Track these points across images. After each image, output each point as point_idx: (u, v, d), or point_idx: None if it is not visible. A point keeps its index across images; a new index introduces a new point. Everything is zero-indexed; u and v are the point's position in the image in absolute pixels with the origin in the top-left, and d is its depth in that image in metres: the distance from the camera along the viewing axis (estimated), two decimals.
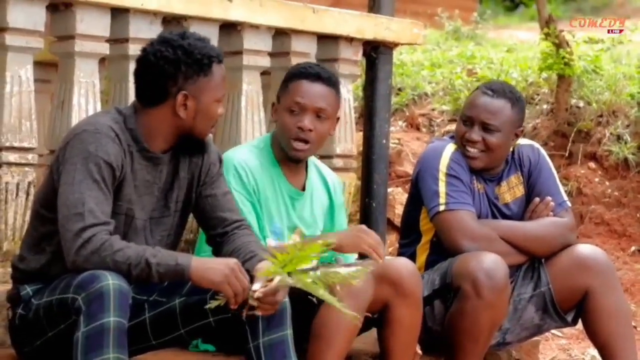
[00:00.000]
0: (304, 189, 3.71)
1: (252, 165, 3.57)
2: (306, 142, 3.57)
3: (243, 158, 3.58)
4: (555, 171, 4.17)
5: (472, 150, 3.96)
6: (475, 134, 3.96)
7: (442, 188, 3.92)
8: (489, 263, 3.72)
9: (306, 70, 3.62)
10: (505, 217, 4.06)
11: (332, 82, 3.62)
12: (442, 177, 3.93)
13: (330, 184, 3.81)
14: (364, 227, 3.58)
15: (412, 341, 3.64)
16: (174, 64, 3.12)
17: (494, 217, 4.05)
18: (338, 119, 3.68)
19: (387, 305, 3.54)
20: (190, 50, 3.12)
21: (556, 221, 4.04)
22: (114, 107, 3.29)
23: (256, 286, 3.02)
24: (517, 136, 4.03)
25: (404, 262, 3.60)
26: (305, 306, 3.39)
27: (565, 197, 4.12)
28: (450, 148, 4.00)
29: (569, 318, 4.05)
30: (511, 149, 4.08)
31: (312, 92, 3.58)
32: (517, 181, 4.10)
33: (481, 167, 4.00)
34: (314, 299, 3.05)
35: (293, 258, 2.99)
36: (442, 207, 3.90)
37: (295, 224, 3.66)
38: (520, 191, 4.10)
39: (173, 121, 3.17)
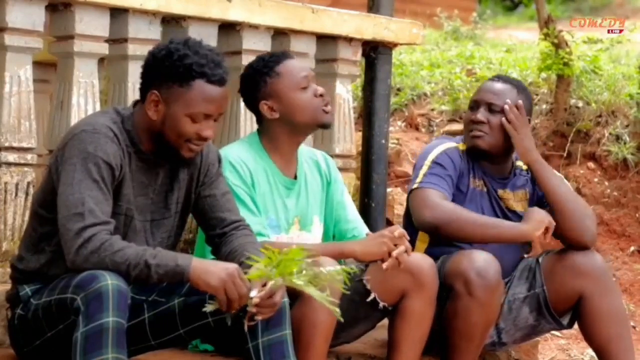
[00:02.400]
0: (296, 177, 3.74)
1: (246, 159, 3.60)
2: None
3: (237, 154, 3.60)
4: None
5: (477, 132, 3.97)
6: (481, 114, 3.97)
7: (423, 171, 3.92)
8: (481, 262, 3.72)
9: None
10: (507, 219, 4.03)
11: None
12: (427, 163, 3.93)
13: (319, 160, 3.84)
14: (386, 233, 3.54)
15: (421, 336, 3.65)
16: (157, 66, 3.12)
17: (496, 215, 4.02)
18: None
19: (404, 296, 3.60)
20: (176, 57, 3.09)
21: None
22: (112, 107, 3.28)
23: (253, 292, 3.02)
24: None
25: (422, 256, 3.65)
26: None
27: None
28: (447, 144, 4.00)
29: (565, 321, 4.04)
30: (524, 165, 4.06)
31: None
32: (523, 197, 4.09)
33: (485, 148, 3.96)
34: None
35: (280, 262, 3.00)
36: (415, 185, 3.90)
37: (293, 214, 3.69)
38: (524, 207, 4.07)
39: (146, 120, 3.16)
